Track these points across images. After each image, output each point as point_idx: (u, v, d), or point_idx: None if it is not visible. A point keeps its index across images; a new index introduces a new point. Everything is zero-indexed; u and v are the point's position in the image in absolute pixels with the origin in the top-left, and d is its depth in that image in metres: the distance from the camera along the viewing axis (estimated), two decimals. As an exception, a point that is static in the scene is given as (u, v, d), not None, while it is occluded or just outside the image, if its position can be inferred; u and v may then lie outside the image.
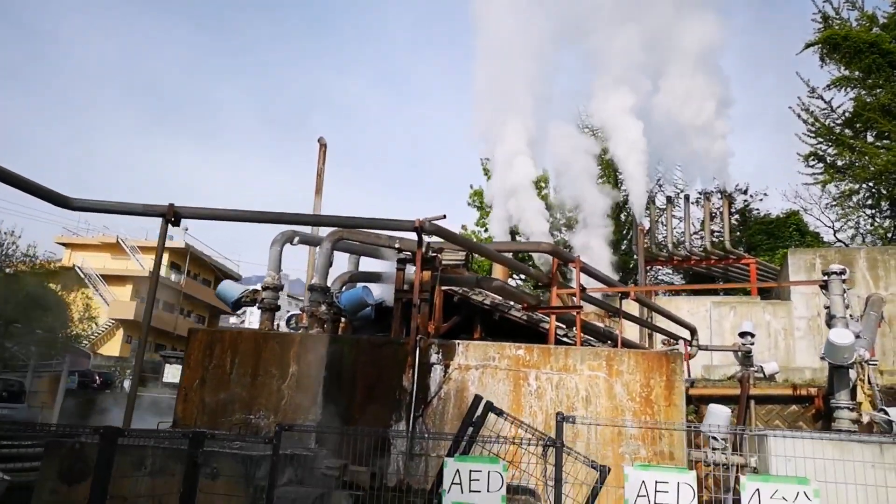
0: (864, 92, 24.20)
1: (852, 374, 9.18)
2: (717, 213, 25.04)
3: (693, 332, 16.30)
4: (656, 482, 4.52)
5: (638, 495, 4.48)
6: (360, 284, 9.36)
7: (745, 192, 32.60)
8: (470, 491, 4.84)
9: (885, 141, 23.71)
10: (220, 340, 8.62)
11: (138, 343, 8.74)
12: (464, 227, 29.51)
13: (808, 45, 24.85)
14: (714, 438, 9.22)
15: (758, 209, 32.31)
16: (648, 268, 24.19)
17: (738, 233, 30.66)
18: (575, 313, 10.65)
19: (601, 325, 13.67)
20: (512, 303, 11.43)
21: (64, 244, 49.51)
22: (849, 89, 24.28)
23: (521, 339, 9.32)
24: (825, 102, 25.28)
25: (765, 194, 32.70)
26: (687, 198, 22.92)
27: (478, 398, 5.63)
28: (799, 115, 25.50)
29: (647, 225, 22.76)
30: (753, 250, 27.60)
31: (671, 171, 25.12)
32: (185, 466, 5.78)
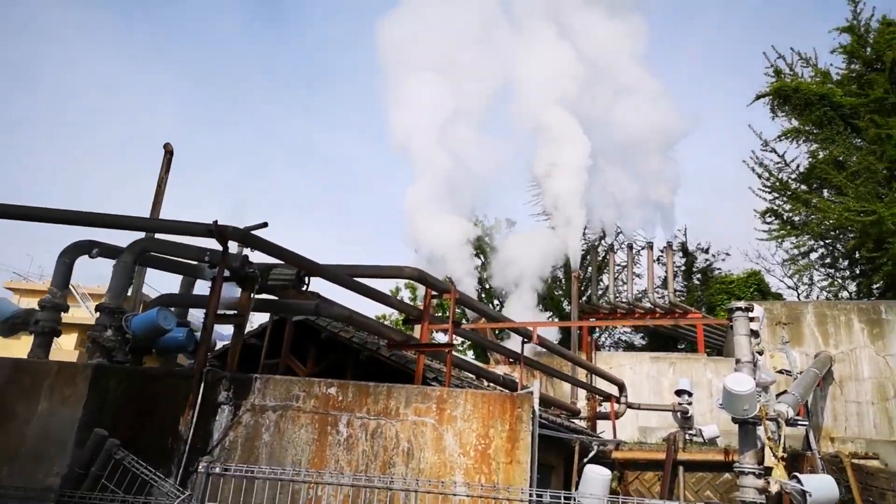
0: (816, 146, 23.38)
1: (760, 432, 7.48)
2: (664, 265, 23.67)
3: (621, 387, 14.58)
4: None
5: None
6: (158, 308, 7.63)
7: (707, 251, 31.51)
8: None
9: (840, 197, 22.67)
10: (-44, 370, 6.80)
11: None
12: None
13: (759, 97, 24.17)
14: (590, 510, 7.41)
15: (720, 269, 31.15)
16: (602, 325, 22.65)
17: (700, 292, 29.31)
18: (446, 351, 8.94)
19: (500, 372, 11.92)
20: (382, 340, 9.75)
21: (13, 289, 47.41)
22: (800, 142, 23.48)
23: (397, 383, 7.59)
24: (778, 156, 24.43)
25: (727, 254, 31.58)
26: (630, 246, 21.53)
27: (97, 436, 3.90)
28: (753, 169, 24.59)
29: (587, 273, 21.28)
30: (713, 311, 26.17)
31: (614, 222, 23.84)
32: None
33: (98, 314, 7.51)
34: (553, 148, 19.86)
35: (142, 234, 8.65)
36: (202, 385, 6.49)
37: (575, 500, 6.36)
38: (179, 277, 9.23)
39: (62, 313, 7.72)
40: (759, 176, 24.38)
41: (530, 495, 5.84)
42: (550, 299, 23.68)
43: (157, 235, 8.57)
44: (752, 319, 7.92)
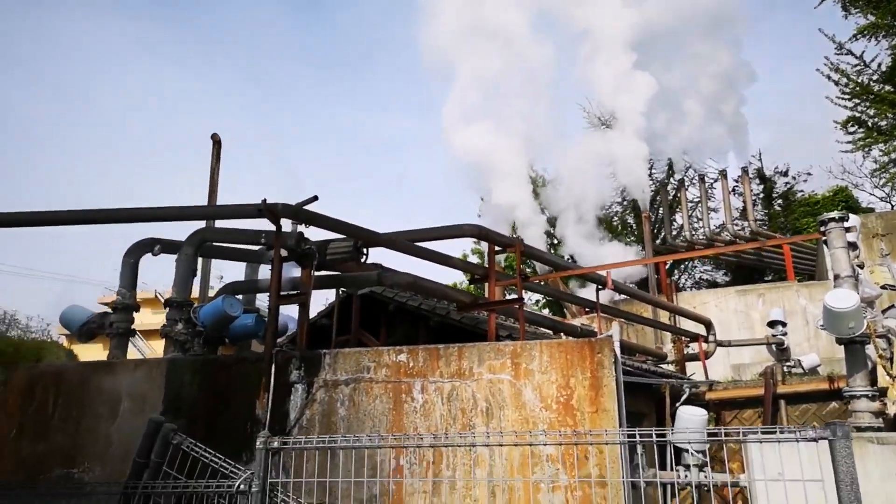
0: (896, 40, 21.27)
1: (870, 351, 6.80)
2: (740, 194, 22.33)
3: (708, 326, 13.86)
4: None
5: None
6: (224, 296, 7.61)
7: (786, 174, 29.59)
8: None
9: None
10: (42, 377, 7.01)
11: None
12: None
13: (827, -9, 22.09)
14: (688, 452, 6.97)
15: (802, 191, 29.20)
16: (680, 258, 21.57)
17: (782, 219, 27.65)
18: (516, 307, 8.62)
19: (577, 322, 11.48)
20: (452, 304, 9.51)
21: (106, 304, 50.29)
22: (879, 38, 21.39)
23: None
24: (856, 57, 22.36)
25: (808, 174, 29.50)
26: (702, 178, 20.34)
27: (152, 423, 3.76)
28: (829, 77, 22.67)
29: (659, 214, 20.33)
30: (799, 235, 24.56)
31: (685, 154, 22.51)
32: None
33: (167, 309, 7.57)
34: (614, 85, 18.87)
35: (200, 226, 8.64)
36: (273, 367, 6.42)
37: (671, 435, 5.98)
38: (244, 265, 9.25)
39: (134, 313, 7.83)
40: (837, 83, 22.47)
41: (620, 437, 5.48)
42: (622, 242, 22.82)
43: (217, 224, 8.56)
44: (848, 230, 7.19)
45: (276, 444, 3.07)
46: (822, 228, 7.23)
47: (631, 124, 18.25)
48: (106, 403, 6.71)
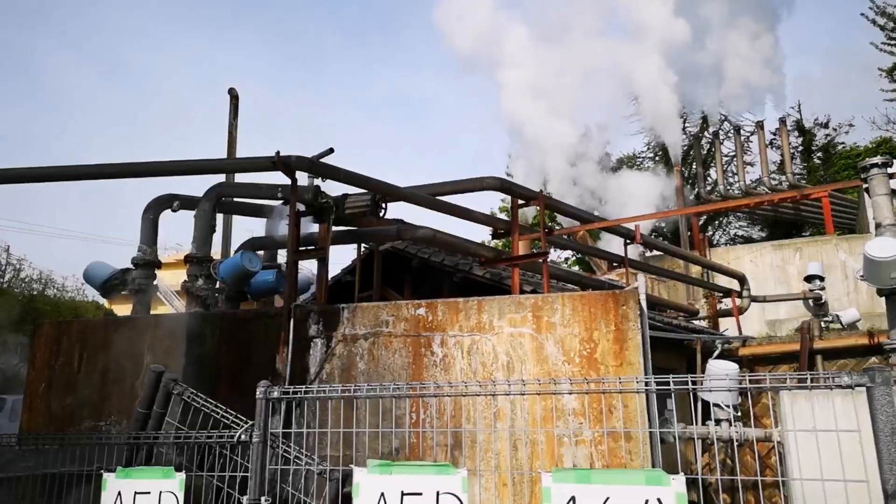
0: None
1: (914, 301, 6.47)
2: (778, 147, 21.50)
3: (742, 280, 13.48)
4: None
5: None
6: (242, 252, 7.56)
7: (826, 126, 28.41)
8: (134, 522, 2.93)
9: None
10: (67, 333, 7.09)
11: None
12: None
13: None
14: (718, 407, 6.80)
15: (843, 143, 28.04)
16: (712, 210, 20.90)
17: (822, 172, 26.65)
18: (540, 261, 8.42)
19: (606, 277, 11.22)
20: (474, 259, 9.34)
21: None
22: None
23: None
24: (904, 0, 21.16)
25: (850, 125, 28.25)
26: (738, 131, 19.59)
27: (152, 373, 3.69)
28: (874, 21, 21.54)
29: (692, 170, 19.71)
30: (839, 191, 23.64)
31: (720, 105, 21.63)
32: None
33: (188, 265, 7.56)
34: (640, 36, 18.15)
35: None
36: (292, 321, 6.37)
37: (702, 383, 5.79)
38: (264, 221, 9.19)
39: (157, 269, 7.84)
40: (882, 28, 21.38)
41: (646, 384, 5.28)
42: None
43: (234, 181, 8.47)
44: (891, 176, 6.78)
45: (275, 394, 2.97)
46: (864, 175, 6.84)
47: (662, 71, 17.57)
48: (131, 358, 6.76)
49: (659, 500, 2.20)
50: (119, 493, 3.05)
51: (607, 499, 2.23)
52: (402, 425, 5.76)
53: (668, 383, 4.37)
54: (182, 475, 2.95)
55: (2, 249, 22.40)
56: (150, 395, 3.53)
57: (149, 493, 2.95)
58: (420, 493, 2.45)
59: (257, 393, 2.96)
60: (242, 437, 2.90)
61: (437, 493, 2.44)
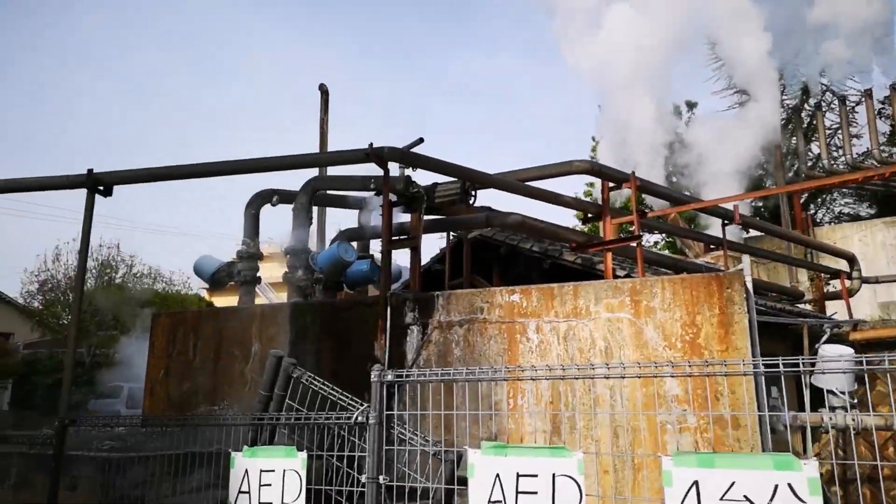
0: None
1: None
2: (888, 117, 19.90)
3: (852, 261, 12.68)
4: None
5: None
6: (338, 242, 7.79)
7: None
8: (259, 503, 3.10)
9: None
10: (182, 323, 7.55)
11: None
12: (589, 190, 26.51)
13: None
14: (832, 393, 6.43)
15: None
16: (816, 187, 19.64)
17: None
18: (634, 245, 8.23)
19: (702, 260, 10.80)
20: (564, 245, 9.24)
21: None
22: None
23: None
24: None
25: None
26: (843, 100, 18.28)
27: (273, 358, 3.83)
28: None
29: (792, 145, 18.57)
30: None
31: (822, 74, 20.18)
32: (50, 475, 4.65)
33: (287, 257, 7.88)
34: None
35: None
36: (388, 309, 6.53)
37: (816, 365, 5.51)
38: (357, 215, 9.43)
39: (259, 261, 8.21)
40: None
41: (755, 366, 5.04)
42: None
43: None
44: None
45: (390, 377, 3.06)
46: None
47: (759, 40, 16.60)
48: (239, 346, 7.14)
49: (790, 485, 2.11)
50: (246, 471, 3.25)
51: (733, 484, 2.16)
52: (501, 410, 5.80)
53: (777, 366, 4.19)
54: (304, 455, 3.10)
55: (115, 247, 24.07)
56: (270, 378, 3.72)
57: (273, 471, 3.12)
58: (535, 476, 2.47)
59: (372, 377, 3.06)
60: (359, 418, 3.01)
61: (553, 476, 2.45)
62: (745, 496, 2.15)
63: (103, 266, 23.18)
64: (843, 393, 6.18)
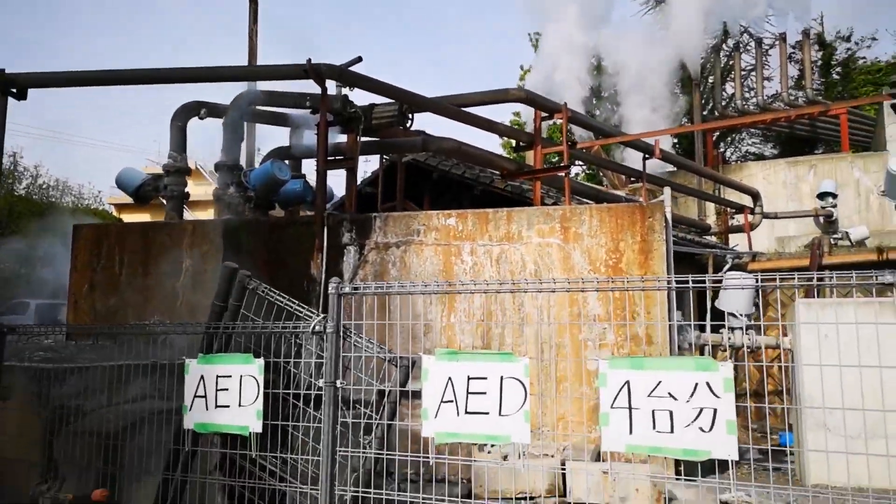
0: None
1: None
2: (797, 62, 20.99)
3: (755, 196, 13.62)
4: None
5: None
6: (272, 160, 7.67)
7: (848, 40, 27.53)
8: (216, 406, 3.24)
9: None
10: (106, 237, 7.33)
11: None
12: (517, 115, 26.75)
13: None
14: (733, 315, 7.12)
15: (864, 58, 27.28)
16: (729, 126, 20.69)
17: (840, 88, 26.10)
18: (563, 175, 8.54)
19: (621, 192, 11.37)
20: (496, 172, 9.45)
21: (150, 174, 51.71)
22: None
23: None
24: None
25: (873, 38, 27.36)
26: (759, 43, 19.08)
27: (226, 269, 3.93)
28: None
29: (709, 83, 19.32)
30: (858, 107, 23.25)
31: (738, 18, 20.89)
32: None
33: (216, 174, 7.70)
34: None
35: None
36: (325, 228, 6.59)
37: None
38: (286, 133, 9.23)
39: (187, 176, 7.97)
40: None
41: (668, 283, 5.49)
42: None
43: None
44: (921, 93, 6.78)
45: (347, 290, 3.21)
46: (894, 90, 6.83)
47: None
48: (169, 262, 7.03)
49: (708, 383, 2.47)
50: (201, 377, 3.35)
51: (659, 383, 2.50)
52: (435, 327, 6.09)
53: (687, 282, 4.61)
54: (261, 360, 3.23)
55: (12, 156, 22.37)
56: (224, 289, 3.77)
57: (230, 376, 3.25)
58: (485, 378, 2.73)
59: (329, 289, 3.20)
60: (317, 327, 3.15)
61: (501, 378, 2.72)
62: (669, 393, 2.50)
63: (3, 175, 21.57)
64: (742, 315, 6.85)
